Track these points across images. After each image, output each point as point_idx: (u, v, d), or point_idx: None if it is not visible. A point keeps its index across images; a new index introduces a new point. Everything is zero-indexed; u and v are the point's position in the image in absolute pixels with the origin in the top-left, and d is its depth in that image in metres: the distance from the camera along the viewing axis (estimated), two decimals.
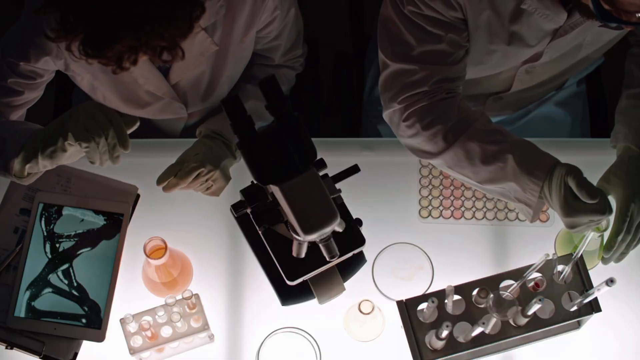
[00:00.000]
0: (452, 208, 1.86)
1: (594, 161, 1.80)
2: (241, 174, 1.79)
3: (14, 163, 1.62)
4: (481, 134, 1.67)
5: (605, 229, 1.62)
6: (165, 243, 1.63)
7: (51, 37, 1.43)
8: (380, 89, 1.75)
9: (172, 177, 1.69)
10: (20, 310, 1.74)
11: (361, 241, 1.61)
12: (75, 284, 1.77)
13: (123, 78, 1.76)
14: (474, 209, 1.86)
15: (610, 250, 1.67)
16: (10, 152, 1.62)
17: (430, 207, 1.86)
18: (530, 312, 1.52)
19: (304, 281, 1.61)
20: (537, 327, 1.59)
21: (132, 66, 1.44)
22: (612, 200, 1.69)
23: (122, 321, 1.67)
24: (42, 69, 1.71)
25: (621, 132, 1.75)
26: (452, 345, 1.57)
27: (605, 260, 1.71)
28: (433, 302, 1.53)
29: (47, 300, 1.75)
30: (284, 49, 1.89)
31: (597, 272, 1.73)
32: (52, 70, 1.75)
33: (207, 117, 1.94)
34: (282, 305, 1.71)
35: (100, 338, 1.73)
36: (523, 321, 1.58)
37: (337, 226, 1.46)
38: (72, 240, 1.80)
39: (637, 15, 1.42)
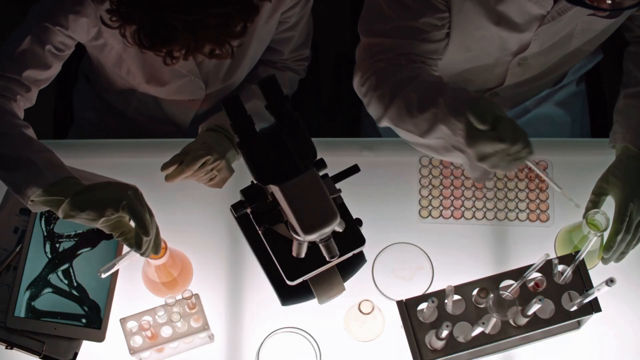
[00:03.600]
0: (452, 208, 1.86)
1: (594, 161, 1.80)
2: (241, 174, 1.79)
3: (33, 194, 1.55)
4: (422, 85, 1.66)
5: (605, 229, 1.62)
6: (165, 243, 1.63)
7: (107, 23, 1.45)
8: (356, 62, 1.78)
9: (176, 165, 1.69)
10: (20, 310, 1.74)
11: (361, 241, 1.61)
12: (75, 284, 1.77)
13: (150, 53, 1.77)
14: (474, 209, 1.86)
15: (610, 250, 1.67)
16: (34, 181, 1.55)
17: (430, 207, 1.86)
18: (530, 312, 1.52)
19: (304, 281, 1.61)
20: (537, 327, 1.59)
21: (184, 60, 1.47)
22: (612, 200, 1.70)
23: (122, 321, 1.67)
24: (73, 38, 1.70)
25: (619, 133, 1.75)
26: (452, 345, 1.57)
27: (605, 260, 1.71)
28: (433, 302, 1.53)
29: (47, 300, 1.75)
30: (295, 44, 1.92)
31: (597, 272, 1.73)
32: (81, 40, 1.73)
33: (215, 111, 1.95)
34: (282, 305, 1.71)
35: (100, 338, 1.73)
36: (523, 321, 1.58)
37: (337, 226, 1.46)
38: (72, 240, 1.80)
39: (607, 1, 1.41)
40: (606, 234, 1.66)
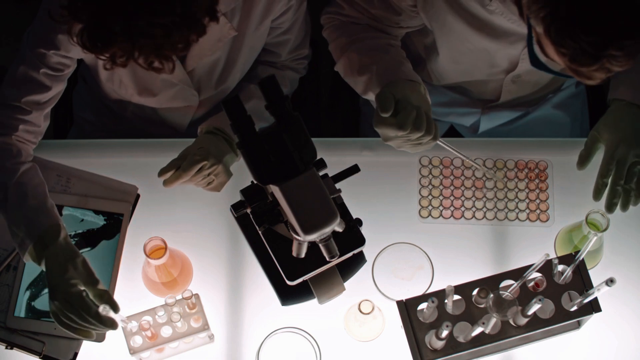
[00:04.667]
0: (452, 208, 1.86)
1: (594, 161, 1.80)
2: (241, 174, 1.79)
3: (27, 255, 1.66)
4: (366, 49, 1.75)
5: (605, 229, 1.62)
6: (165, 243, 1.63)
7: (55, 17, 1.45)
8: None
9: (174, 170, 1.69)
10: (20, 310, 1.74)
11: (361, 241, 1.61)
12: None
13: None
14: (473, 209, 1.86)
15: (598, 193, 1.75)
16: (25, 242, 1.65)
17: (430, 207, 1.86)
18: (530, 312, 1.52)
19: (304, 281, 1.61)
20: (537, 327, 1.59)
21: (122, 67, 1.46)
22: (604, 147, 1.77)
23: (122, 321, 1.67)
24: (69, 57, 1.72)
25: (612, 89, 1.81)
26: (452, 345, 1.57)
27: (608, 208, 1.75)
28: (433, 302, 1.53)
29: (47, 300, 1.75)
30: (292, 45, 1.91)
31: (597, 272, 1.73)
32: (77, 57, 1.75)
33: (212, 113, 1.95)
34: (282, 305, 1.71)
35: (100, 338, 1.73)
36: (523, 321, 1.58)
37: (337, 226, 1.46)
38: (72, 240, 1.80)
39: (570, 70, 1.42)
40: (606, 235, 1.65)
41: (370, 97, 1.73)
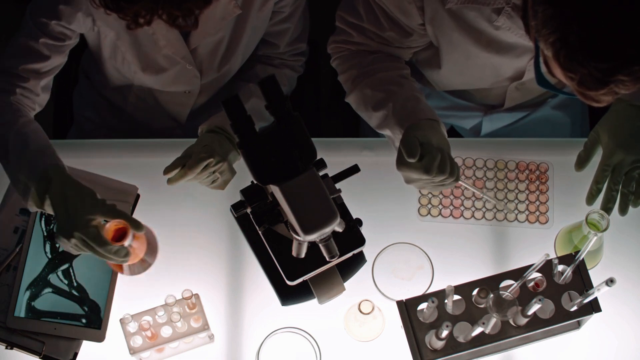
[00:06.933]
0: (451, 207, 1.86)
1: (594, 161, 1.80)
2: (241, 174, 1.79)
3: (30, 201, 1.63)
4: (378, 83, 1.75)
5: (605, 229, 1.62)
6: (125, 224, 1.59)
7: None
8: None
9: (179, 168, 1.69)
10: (20, 310, 1.74)
11: (361, 241, 1.61)
12: (75, 284, 1.77)
13: (144, 40, 1.80)
14: (473, 209, 1.86)
15: (592, 198, 1.77)
16: (28, 185, 1.62)
17: (429, 206, 1.86)
18: (530, 312, 1.52)
19: (304, 281, 1.61)
20: (537, 327, 1.59)
21: (147, 25, 1.47)
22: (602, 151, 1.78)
23: (122, 321, 1.67)
24: (71, 29, 1.73)
25: None
26: (452, 345, 1.57)
27: (606, 211, 1.75)
28: (433, 302, 1.53)
29: (47, 300, 1.75)
30: (291, 36, 1.92)
31: (597, 272, 1.73)
32: (79, 31, 1.77)
33: (213, 103, 1.97)
34: (282, 305, 1.71)
35: (100, 338, 1.73)
36: (523, 321, 1.58)
37: (337, 226, 1.46)
38: None
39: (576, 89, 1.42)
40: (606, 234, 1.65)
41: (386, 132, 1.73)
